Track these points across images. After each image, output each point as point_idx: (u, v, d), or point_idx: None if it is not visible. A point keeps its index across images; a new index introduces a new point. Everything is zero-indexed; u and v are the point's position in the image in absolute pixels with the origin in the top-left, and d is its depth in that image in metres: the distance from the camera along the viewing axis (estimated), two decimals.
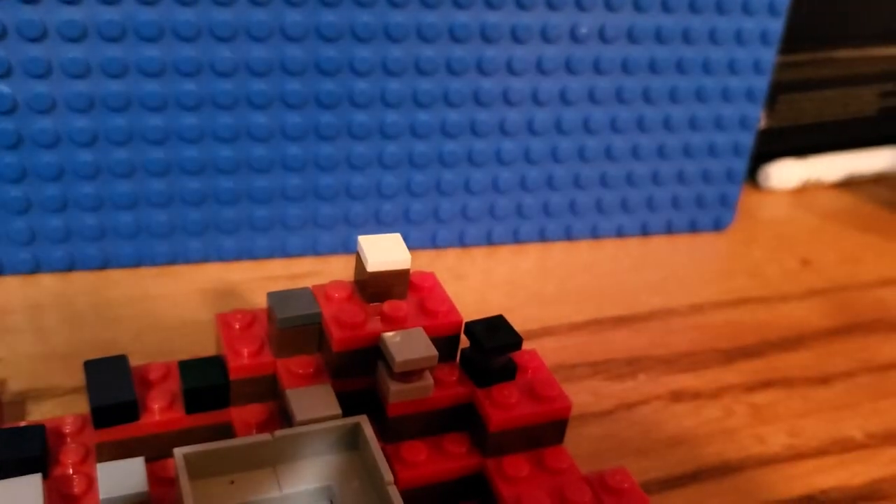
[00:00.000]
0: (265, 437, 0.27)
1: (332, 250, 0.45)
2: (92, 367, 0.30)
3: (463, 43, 0.43)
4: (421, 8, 0.41)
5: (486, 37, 0.43)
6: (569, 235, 0.50)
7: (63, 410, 0.35)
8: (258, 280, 0.43)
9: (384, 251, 0.30)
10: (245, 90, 0.41)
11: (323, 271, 0.44)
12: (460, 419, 0.30)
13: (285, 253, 0.45)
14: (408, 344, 0.29)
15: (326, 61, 0.41)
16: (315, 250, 0.45)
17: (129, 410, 0.29)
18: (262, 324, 0.31)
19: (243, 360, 0.30)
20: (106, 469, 0.27)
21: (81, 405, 0.35)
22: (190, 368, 0.30)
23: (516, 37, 0.43)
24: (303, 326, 0.30)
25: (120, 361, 0.30)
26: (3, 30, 0.37)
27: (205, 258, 0.44)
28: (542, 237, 0.49)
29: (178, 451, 0.26)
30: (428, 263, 0.46)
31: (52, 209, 0.41)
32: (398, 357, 0.28)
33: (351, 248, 0.45)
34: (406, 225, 0.46)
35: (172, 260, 0.43)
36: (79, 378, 0.35)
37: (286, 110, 0.42)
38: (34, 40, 0.37)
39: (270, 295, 0.30)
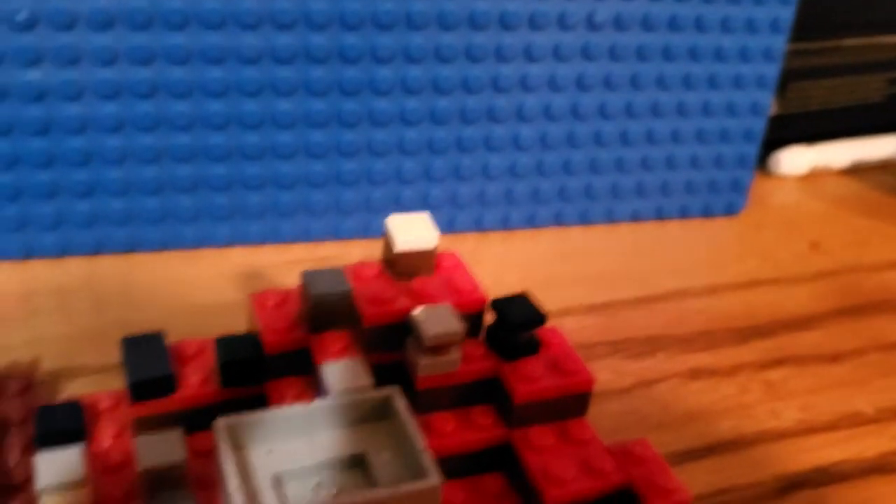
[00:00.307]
0: (301, 407, 0.28)
1: (354, 234, 0.46)
2: (129, 343, 0.31)
3: (482, 30, 0.43)
4: None
5: (505, 24, 0.44)
6: (585, 220, 0.51)
7: (94, 388, 0.36)
8: (283, 263, 0.44)
9: (412, 231, 0.31)
10: (270, 77, 0.41)
11: (345, 255, 0.45)
12: (486, 393, 0.31)
13: (309, 237, 0.46)
14: (436, 319, 0.30)
15: (349, 49, 0.42)
16: (337, 235, 0.46)
17: (165, 384, 0.30)
18: (294, 303, 0.32)
19: (278, 334, 0.31)
20: (145, 440, 0.28)
21: (112, 383, 0.36)
22: (226, 343, 0.31)
23: (534, 24, 0.44)
24: (335, 303, 0.31)
25: (156, 338, 0.31)
26: (34, 19, 0.38)
27: (231, 242, 0.45)
28: (559, 221, 0.50)
29: (220, 422, 0.27)
30: (446, 247, 0.47)
31: (79, 194, 0.42)
32: (428, 331, 0.29)
33: (372, 233, 0.46)
34: (425, 209, 0.47)
35: (199, 244, 0.44)
36: (108, 358, 0.37)
37: (310, 97, 0.42)
38: (64, 28, 0.38)
39: (305, 273, 0.31)
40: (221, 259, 0.44)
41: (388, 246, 0.32)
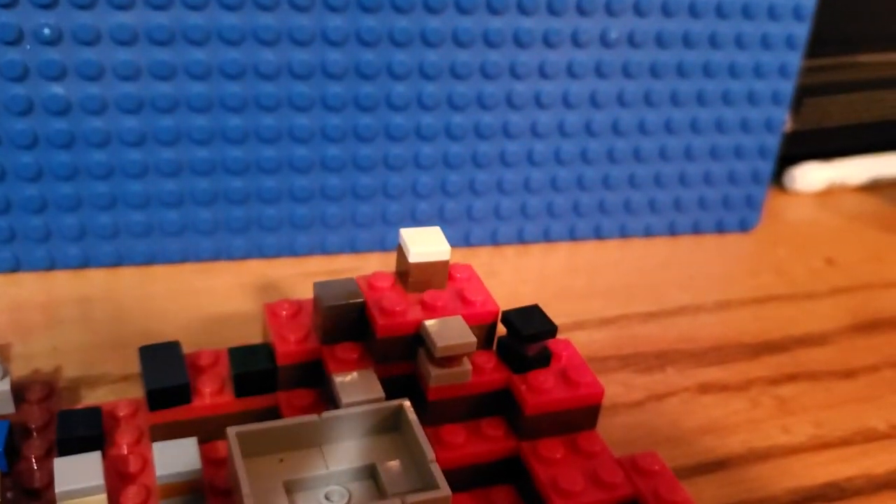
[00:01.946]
0: (313, 417, 0.28)
1: (370, 248, 0.47)
2: (147, 352, 0.31)
3: (497, 48, 0.44)
4: (456, 14, 0.43)
5: (519, 42, 0.44)
6: (598, 234, 0.51)
7: (114, 396, 0.36)
8: (298, 276, 0.45)
9: (425, 243, 0.32)
10: (287, 92, 0.42)
11: (360, 268, 0.46)
12: (497, 404, 0.32)
13: (324, 250, 0.46)
14: (448, 331, 0.30)
15: (366, 65, 0.43)
16: (353, 248, 0.47)
17: (181, 393, 0.31)
18: (307, 313, 0.33)
19: (290, 346, 0.31)
20: (161, 448, 0.29)
21: (132, 392, 0.36)
22: (239, 354, 0.32)
23: (548, 41, 0.45)
24: (347, 314, 0.31)
25: (173, 347, 0.32)
26: (59, 34, 0.38)
27: (247, 255, 0.45)
28: (572, 236, 0.51)
29: (231, 430, 0.27)
30: (461, 261, 0.47)
31: (101, 206, 0.42)
32: (439, 343, 0.30)
33: (387, 246, 0.47)
34: (440, 223, 0.47)
35: (216, 256, 0.45)
36: (128, 367, 0.37)
37: (326, 112, 0.43)
38: (88, 43, 0.39)
39: (317, 284, 0.32)
40: (238, 271, 0.45)
41: (401, 257, 0.32)
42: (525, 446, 0.31)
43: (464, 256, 0.48)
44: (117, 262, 0.44)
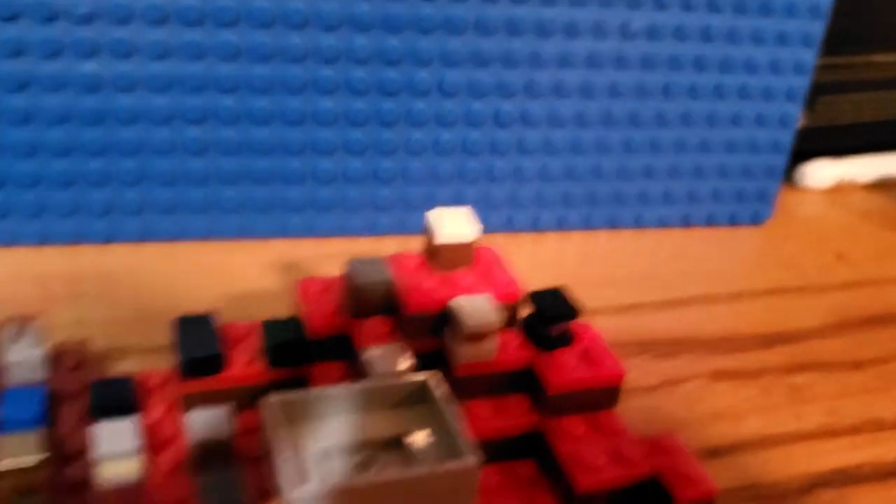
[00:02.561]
0: (345, 388, 0.29)
1: (390, 231, 0.48)
2: (182, 322, 0.32)
3: (519, 36, 0.45)
4: (480, 2, 0.43)
5: (542, 31, 0.45)
6: (613, 224, 0.52)
7: (141, 367, 0.37)
8: (320, 256, 0.45)
9: (453, 224, 0.33)
10: (313, 76, 0.43)
11: (380, 250, 0.46)
12: (521, 382, 0.33)
13: (346, 232, 0.47)
14: (475, 309, 0.31)
15: (391, 51, 0.43)
16: (373, 230, 0.47)
17: (214, 363, 0.31)
18: (336, 290, 0.34)
19: (322, 319, 0.32)
20: (196, 415, 0.29)
21: (157, 363, 0.37)
22: (272, 326, 0.32)
23: (570, 32, 0.45)
24: (378, 291, 0.32)
25: (206, 319, 0.32)
26: (94, 12, 0.39)
27: (271, 234, 0.46)
28: (588, 225, 0.51)
29: (270, 397, 0.28)
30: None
31: (128, 182, 0.43)
32: (467, 321, 0.30)
33: (406, 229, 0.48)
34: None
35: (241, 235, 0.46)
36: (153, 339, 0.38)
37: (351, 97, 0.44)
38: (122, 22, 0.40)
39: (349, 261, 0.32)
40: (262, 250, 0.46)
41: (429, 238, 0.33)
42: (548, 423, 0.32)
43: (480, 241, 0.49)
44: (142, 237, 0.45)
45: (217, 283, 0.43)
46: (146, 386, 0.33)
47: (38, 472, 0.28)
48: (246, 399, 0.32)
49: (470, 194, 0.48)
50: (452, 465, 0.27)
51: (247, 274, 0.44)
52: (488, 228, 0.50)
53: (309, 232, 0.47)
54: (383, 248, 0.47)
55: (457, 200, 0.48)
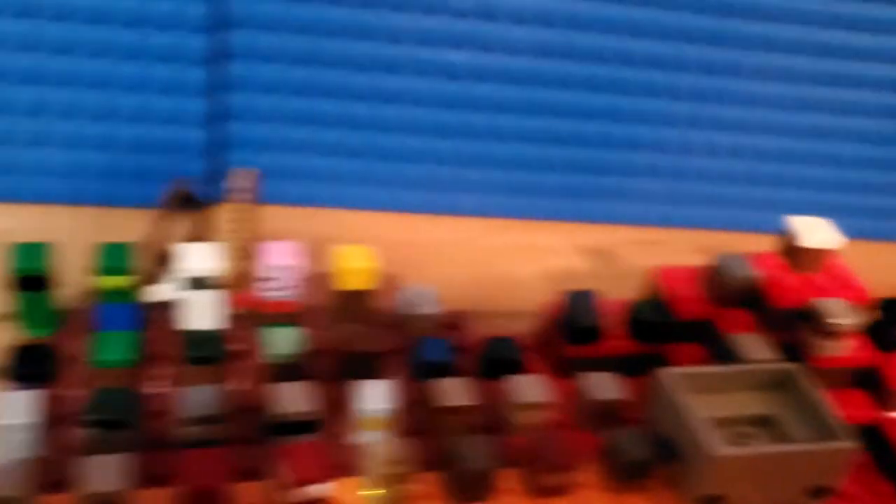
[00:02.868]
0: (724, 368, 0.34)
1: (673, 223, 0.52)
2: (571, 296, 0.37)
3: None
4: None
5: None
6: None
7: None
8: (621, 243, 0.49)
9: (815, 232, 0.37)
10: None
11: (671, 241, 0.50)
12: (862, 378, 0.36)
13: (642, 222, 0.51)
14: (836, 310, 0.35)
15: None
16: (669, 222, 0.51)
17: (594, 333, 0.36)
18: (696, 279, 0.38)
19: (687, 304, 0.37)
20: (588, 377, 0.34)
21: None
22: (642, 306, 0.37)
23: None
24: (744, 284, 0.36)
25: (589, 294, 0.37)
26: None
27: (579, 219, 0.51)
28: None
29: (670, 370, 0.33)
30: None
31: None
32: (829, 319, 0.34)
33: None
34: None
35: (556, 217, 0.50)
36: (508, 305, 0.42)
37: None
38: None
39: (720, 256, 0.37)
40: (572, 233, 0.50)
41: (791, 241, 0.37)
42: (887, 419, 0.35)
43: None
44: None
45: (534, 259, 0.47)
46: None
47: None
48: (612, 367, 0.37)
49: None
50: (831, 445, 0.31)
51: (559, 253, 0.48)
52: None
53: (607, 218, 0.51)
54: (675, 239, 0.50)
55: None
